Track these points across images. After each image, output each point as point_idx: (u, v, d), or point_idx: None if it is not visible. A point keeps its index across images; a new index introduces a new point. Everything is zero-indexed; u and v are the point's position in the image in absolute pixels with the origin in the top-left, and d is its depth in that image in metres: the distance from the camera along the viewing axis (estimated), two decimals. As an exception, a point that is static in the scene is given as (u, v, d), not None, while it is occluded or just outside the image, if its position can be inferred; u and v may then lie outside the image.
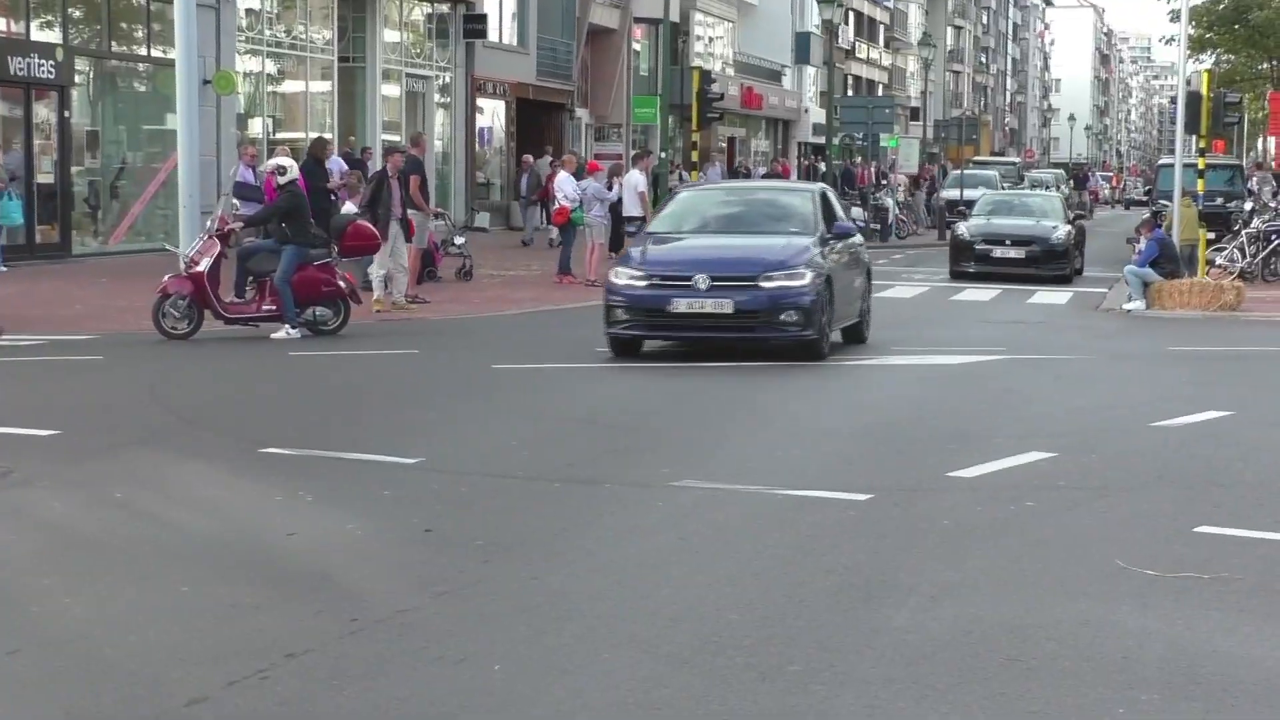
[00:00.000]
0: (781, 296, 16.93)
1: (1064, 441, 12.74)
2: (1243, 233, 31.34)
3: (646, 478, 11.25)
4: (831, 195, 20.98)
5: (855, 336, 19.79)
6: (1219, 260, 28.99)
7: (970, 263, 31.77)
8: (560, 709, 6.47)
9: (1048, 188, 51.62)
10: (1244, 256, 29.94)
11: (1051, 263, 31.43)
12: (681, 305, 17.04)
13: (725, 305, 16.97)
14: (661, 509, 10.38)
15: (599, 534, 9.66)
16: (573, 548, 9.32)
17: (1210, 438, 13.29)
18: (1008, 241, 31.81)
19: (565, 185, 29.86)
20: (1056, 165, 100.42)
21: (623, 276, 17.55)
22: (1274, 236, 30.48)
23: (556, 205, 30.62)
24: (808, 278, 17.09)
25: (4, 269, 21.46)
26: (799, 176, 58.03)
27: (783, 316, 16.94)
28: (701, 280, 16.92)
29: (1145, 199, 65.63)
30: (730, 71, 67.01)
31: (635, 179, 30.87)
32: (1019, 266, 31.16)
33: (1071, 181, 64.29)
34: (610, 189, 30.03)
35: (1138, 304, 25.79)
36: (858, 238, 20.88)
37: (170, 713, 6.40)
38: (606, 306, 17.57)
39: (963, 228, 33.69)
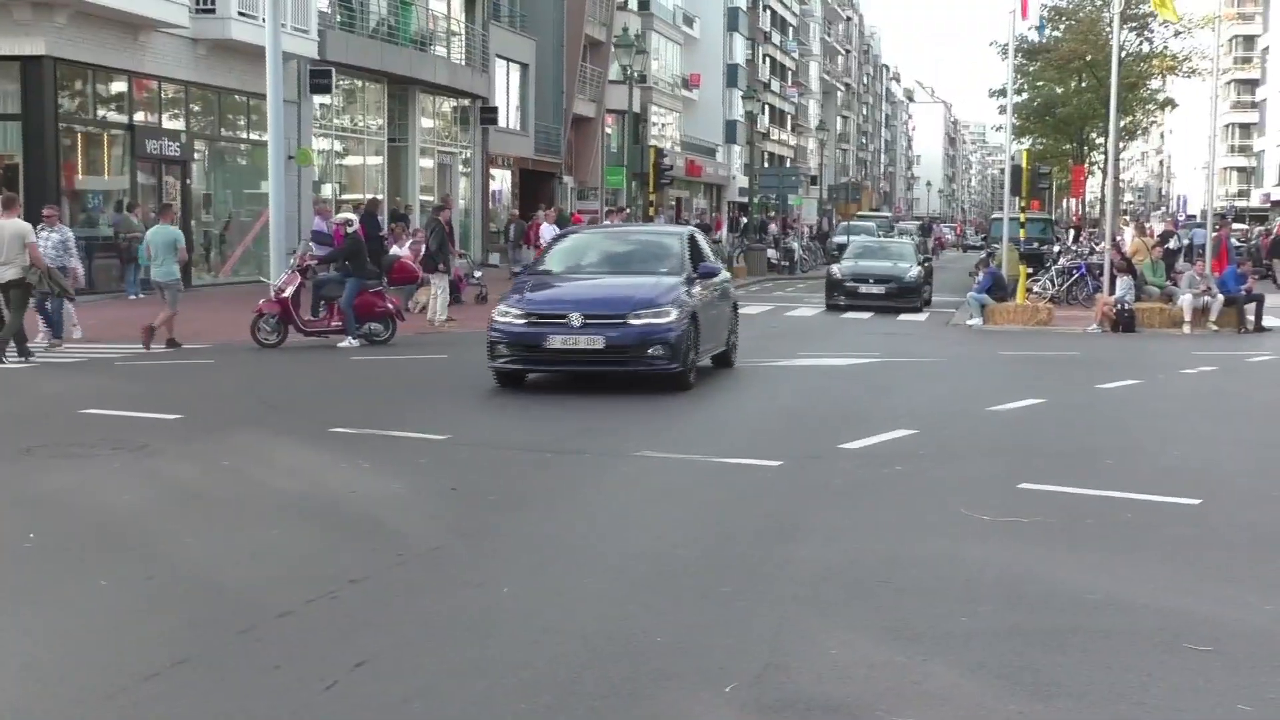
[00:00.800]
0: (649, 333, 14.14)
1: (923, 422, 12.79)
2: (1053, 268, 31.69)
3: (614, 449, 11.25)
4: (700, 237, 17.70)
5: (724, 362, 16.96)
6: (1035, 288, 29.18)
7: (841, 296, 30.14)
8: (555, 620, 6.49)
9: (912, 234, 50.49)
10: (1054, 286, 30.20)
11: (905, 297, 30.00)
12: (556, 341, 14.26)
13: (597, 341, 14.19)
14: (626, 473, 10.39)
15: (581, 491, 9.67)
16: (562, 501, 9.33)
17: (1030, 418, 13.37)
18: (871, 280, 30.07)
19: (545, 232, 29.79)
20: (918, 218, 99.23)
21: (504, 315, 14.64)
22: (1074, 271, 30.74)
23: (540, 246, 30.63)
24: (673, 315, 14.29)
25: (141, 295, 21.23)
26: (728, 228, 57.70)
27: (650, 351, 14.13)
28: (576, 318, 14.27)
29: (980, 245, 66.00)
30: (677, 149, 67.10)
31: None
32: (880, 300, 29.65)
33: (922, 232, 60.31)
34: None
35: (976, 320, 25.96)
36: (723, 275, 17.49)
37: (265, 622, 6.42)
38: (490, 343, 14.62)
39: (835, 269, 31.65)
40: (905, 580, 7.22)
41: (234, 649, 6.08)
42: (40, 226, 18.28)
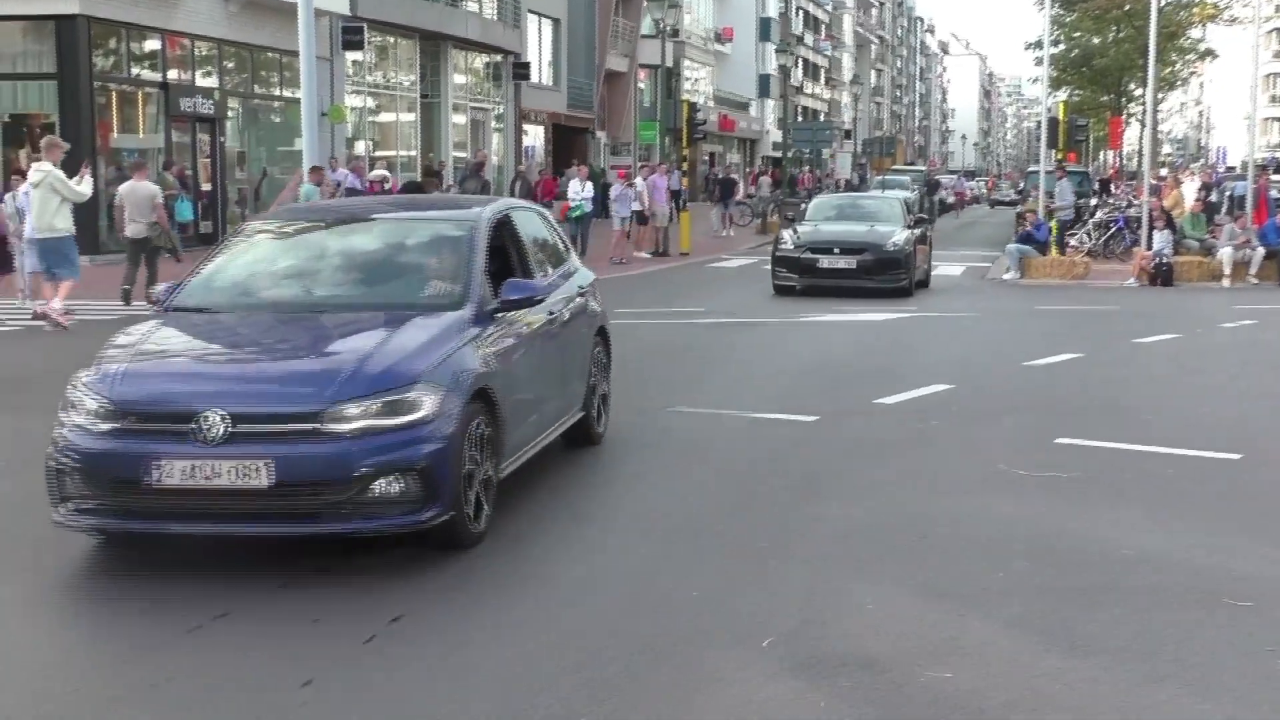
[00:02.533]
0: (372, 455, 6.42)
1: (958, 376, 12.72)
2: (1090, 221, 31.18)
3: (648, 406, 11.24)
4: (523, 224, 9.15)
5: (585, 436, 9.41)
6: (1072, 242, 28.87)
7: (793, 274, 21.80)
8: (587, 577, 6.51)
9: (907, 187, 42.36)
10: (1091, 239, 29.84)
11: (884, 272, 21.49)
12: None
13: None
14: (660, 429, 10.37)
15: (613, 447, 9.66)
16: (594, 458, 9.32)
17: (1066, 374, 13.28)
18: (836, 250, 21.70)
19: (574, 187, 29.58)
20: (953, 171, 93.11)
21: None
22: (1112, 225, 30.37)
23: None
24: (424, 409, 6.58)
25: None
26: (757, 179, 56.67)
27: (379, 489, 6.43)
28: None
29: (1010, 201, 65.19)
30: (710, 103, 66.74)
31: (659, 182, 30.70)
32: (849, 277, 21.52)
33: (925, 187, 51.91)
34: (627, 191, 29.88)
35: (1013, 274, 25.77)
36: (555, 297, 8.76)
37: (304, 576, 6.44)
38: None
39: (787, 235, 22.89)
40: (940, 536, 7.21)
41: (273, 602, 6.12)
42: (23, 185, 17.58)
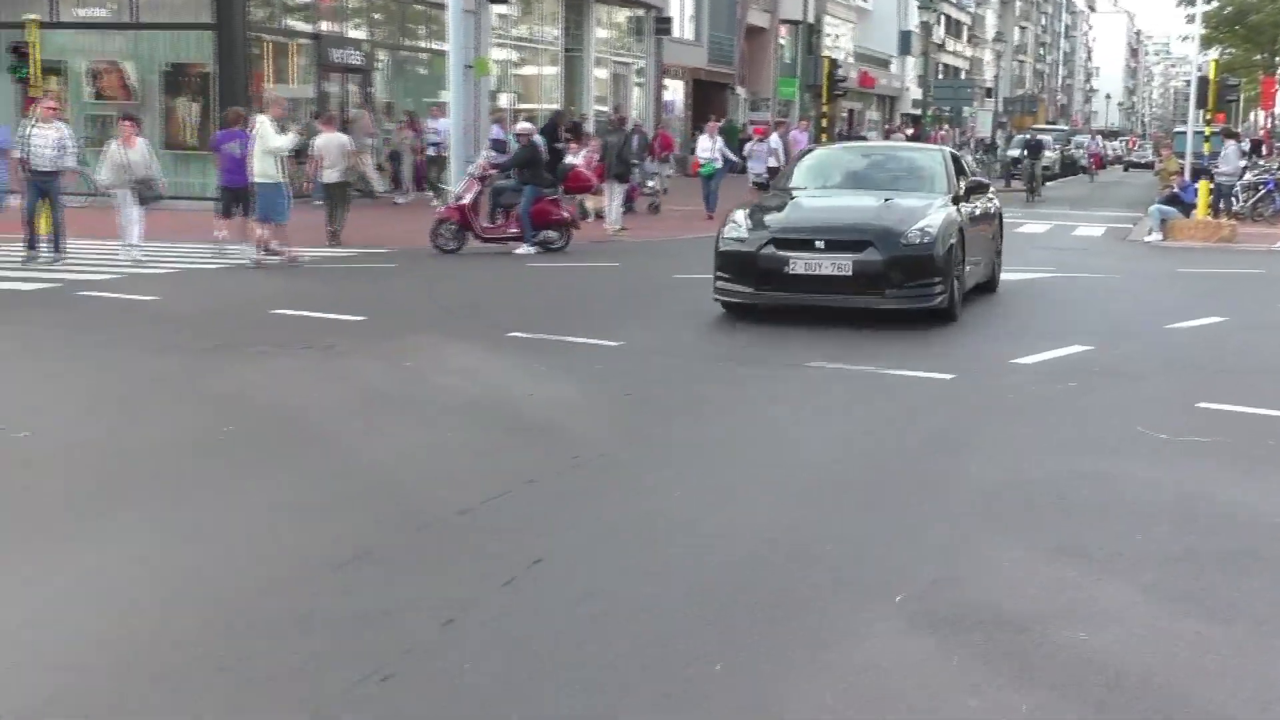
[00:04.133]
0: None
1: (1098, 338, 12.49)
2: (1238, 184, 30.24)
3: (785, 359, 11.18)
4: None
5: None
6: (1221, 205, 28.09)
7: (745, 285, 12.92)
8: (725, 526, 6.52)
9: (953, 147, 31.45)
10: (1239, 202, 28.97)
11: (904, 282, 12.52)
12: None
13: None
14: (801, 382, 10.33)
15: (755, 400, 9.64)
16: (735, 409, 9.32)
17: (1209, 337, 12.97)
18: (819, 243, 12.58)
19: (701, 144, 29.31)
20: (1100, 131, 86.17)
21: None
22: (1261, 187, 29.51)
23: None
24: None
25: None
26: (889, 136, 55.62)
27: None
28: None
29: (1148, 163, 63.42)
30: (851, 60, 66.03)
31: (798, 135, 30.38)
32: (839, 291, 12.59)
33: (1025, 149, 42.78)
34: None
35: (1156, 236, 25.17)
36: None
37: (445, 518, 6.55)
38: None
39: (739, 219, 13.31)
40: (1078, 498, 7.08)
41: (415, 543, 6.21)
42: (31, 122, 17.94)
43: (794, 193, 14.06)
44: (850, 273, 12.21)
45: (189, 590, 5.65)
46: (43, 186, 17.25)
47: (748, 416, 9.13)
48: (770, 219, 13.00)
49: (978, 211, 14.39)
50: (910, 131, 47.68)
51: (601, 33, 41.39)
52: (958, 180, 14.19)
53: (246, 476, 7.39)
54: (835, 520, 6.67)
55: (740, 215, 13.14)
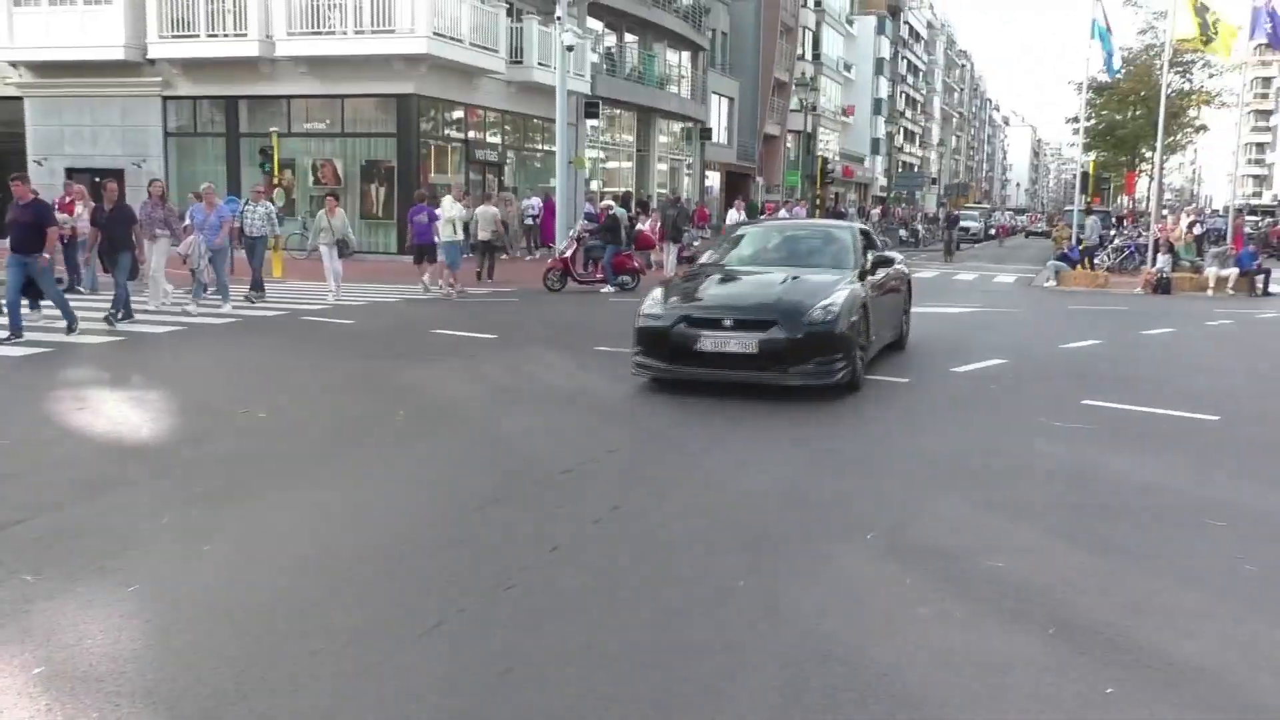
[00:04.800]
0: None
1: (1012, 353, 12.29)
2: (1109, 247, 29.84)
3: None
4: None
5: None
6: (1097, 260, 27.67)
7: (658, 360, 9.39)
8: (756, 484, 6.42)
9: (859, 218, 29.09)
10: (1110, 260, 28.53)
11: (807, 358, 9.02)
12: None
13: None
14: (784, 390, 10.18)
15: (774, 393, 9.50)
16: (753, 408, 9.18)
17: (1091, 353, 12.72)
18: (727, 321, 9.16)
19: (732, 216, 29.21)
20: (979, 205, 79.20)
21: None
22: (1126, 249, 29.05)
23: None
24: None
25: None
26: (864, 214, 55.25)
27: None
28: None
29: (1042, 232, 62.33)
30: (837, 158, 65.56)
31: (799, 211, 30.22)
32: (745, 367, 9.07)
33: (946, 220, 40.04)
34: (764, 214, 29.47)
35: (1051, 282, 24.79)
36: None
37: (551, 476, 6.52)
38: None
39: (657, 295, 9.90)
40: (998, 465, 6.97)
41: (532, 493, 6.20)
42: (245, 201, 17.95)
43: (711, 271, 10.64)
44: (755, 350, 9.03)
45: (374, 521, 5.68)
46: (252, 246, 17.08)
47: (763, 404, 9.02)
48: (684, 297, 9.72)
49: (885, 282, 11.13)
50: (881, 209, 46.65)
51: (663, 138, 41.37)
52: (865, 255, 10.89)
53: (413, 445, 7.42)
54: (830, 477, 6.58)
55: (658, 293, 9.98)
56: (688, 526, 5.58)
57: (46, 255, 12.14)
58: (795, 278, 9.91)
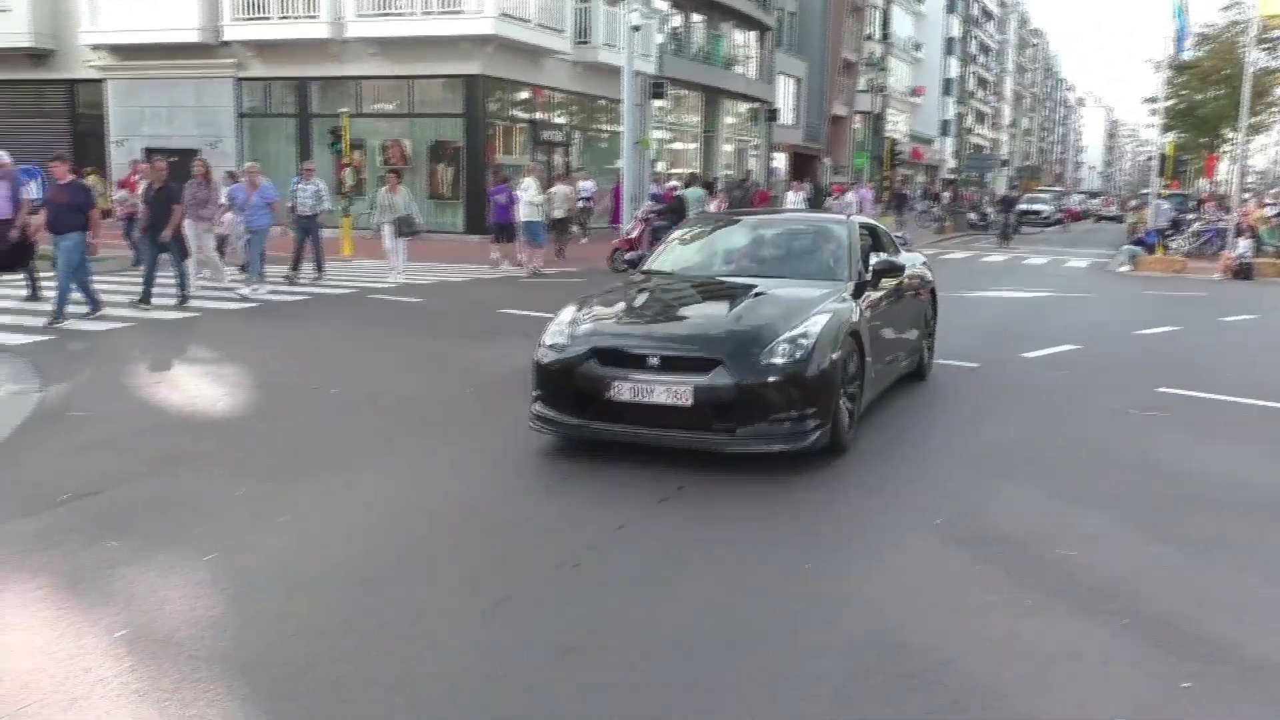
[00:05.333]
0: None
1: (1085, 338, 12.07)
2: (1188, 230, 29.03)
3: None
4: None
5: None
6: (1174, 245, 26.96)
7: (561, 412, 6.24)
8: (800, 468, 6.40)
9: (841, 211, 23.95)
10: (1188, 244, 27.79)
11: (757, 412, 5.89)
12: None
13: None
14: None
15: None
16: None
17: (1167, 339, 12.44)
18: (654, 360, 5.93)
19: (791, 198, 28.83)
20: (1090, 192, 76.90)
21: None
22: (1204, 234, 28.26)
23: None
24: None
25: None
26: (934, 197, 54.20)
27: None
28: None
29: (1113, 216, 60.73)
30: (905, 139, 64.71)
31: (865, 194, 29.95)
32: (676, 426, 5.95)
33: (1001, 204, 37.20)
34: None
35: (1127, 267, 24.24)
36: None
37: (621, 455, 6.54)
38: None
39: (564, 317, 6.66)
40: (1066, 454, 6.85)
41: (600, 474, 6.21)
42: (296, 180, 17.35)
43: (647, 281, 7.62)
44: (689, 402, 5.99)
45: (442, 496, 5.75)
46: (305, 226, 16.73)
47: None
48: (597, 321, 6.60)
49: (896, 296, 8.02)
50: (808, 189, 39.07)
51: (729, 119, 41.10)
52: (866, 261, 7.61)
53: (482, 421, 7.48)
54: (897, 468, 6.52)
55: (567, 313, 6.87)
56: (748, 508, 5.57)
57: (93, 238, 11.90)
58: (760, 293, 6.83)
